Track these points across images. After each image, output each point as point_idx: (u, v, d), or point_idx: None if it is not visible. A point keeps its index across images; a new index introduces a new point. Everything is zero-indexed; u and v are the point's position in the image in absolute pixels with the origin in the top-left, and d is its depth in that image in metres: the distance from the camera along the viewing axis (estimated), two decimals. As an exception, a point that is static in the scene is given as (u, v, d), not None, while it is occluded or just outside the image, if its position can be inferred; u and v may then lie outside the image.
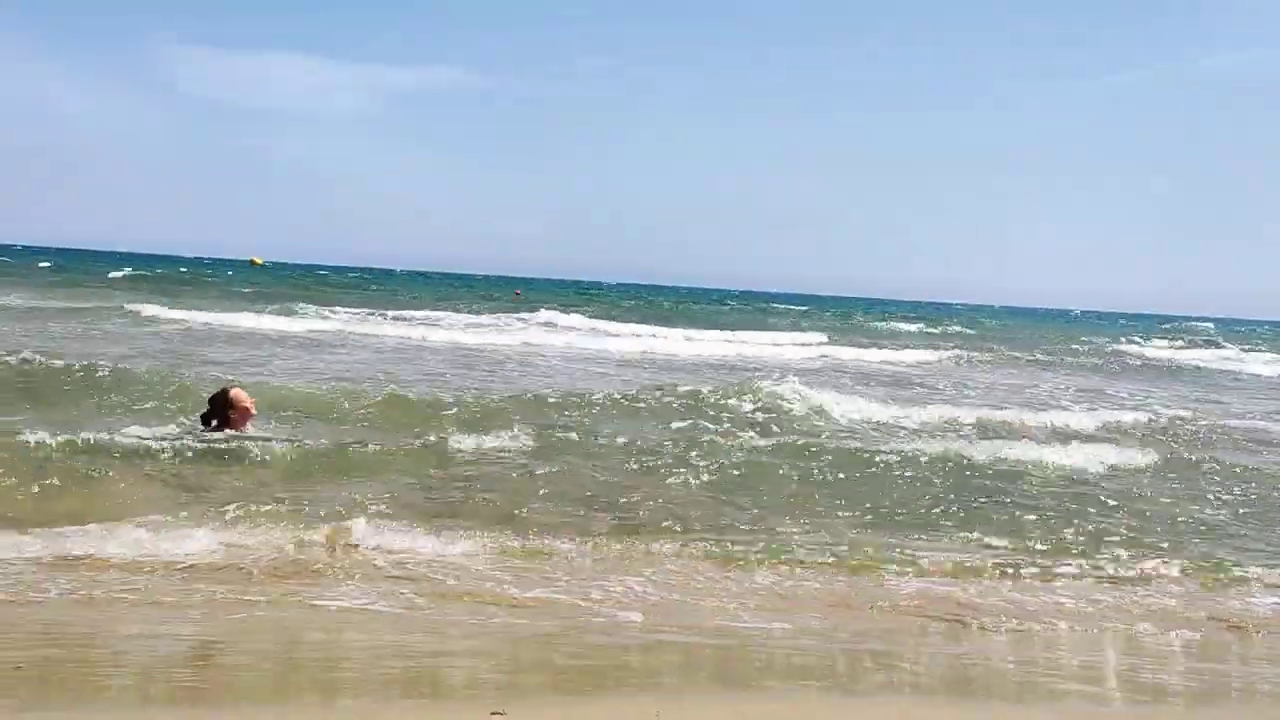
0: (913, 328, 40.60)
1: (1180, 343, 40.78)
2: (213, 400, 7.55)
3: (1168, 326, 63.04)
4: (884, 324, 43.36)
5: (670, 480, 7.38)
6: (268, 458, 7.12)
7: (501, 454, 7.83)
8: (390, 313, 27.52)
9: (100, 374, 10.39)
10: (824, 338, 29.24)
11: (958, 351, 24.24)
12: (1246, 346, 39.10)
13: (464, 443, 7.97)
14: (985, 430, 10.88)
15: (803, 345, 25.31)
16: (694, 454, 8.11)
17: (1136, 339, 41.34)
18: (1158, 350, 33.94)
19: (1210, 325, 69.08)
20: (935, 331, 39.89)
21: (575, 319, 29.38)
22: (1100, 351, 31.85)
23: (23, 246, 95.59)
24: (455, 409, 9.81)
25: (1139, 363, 27.18)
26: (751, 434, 9.50)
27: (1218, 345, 38.66)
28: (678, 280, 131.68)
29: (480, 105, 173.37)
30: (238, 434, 7.45)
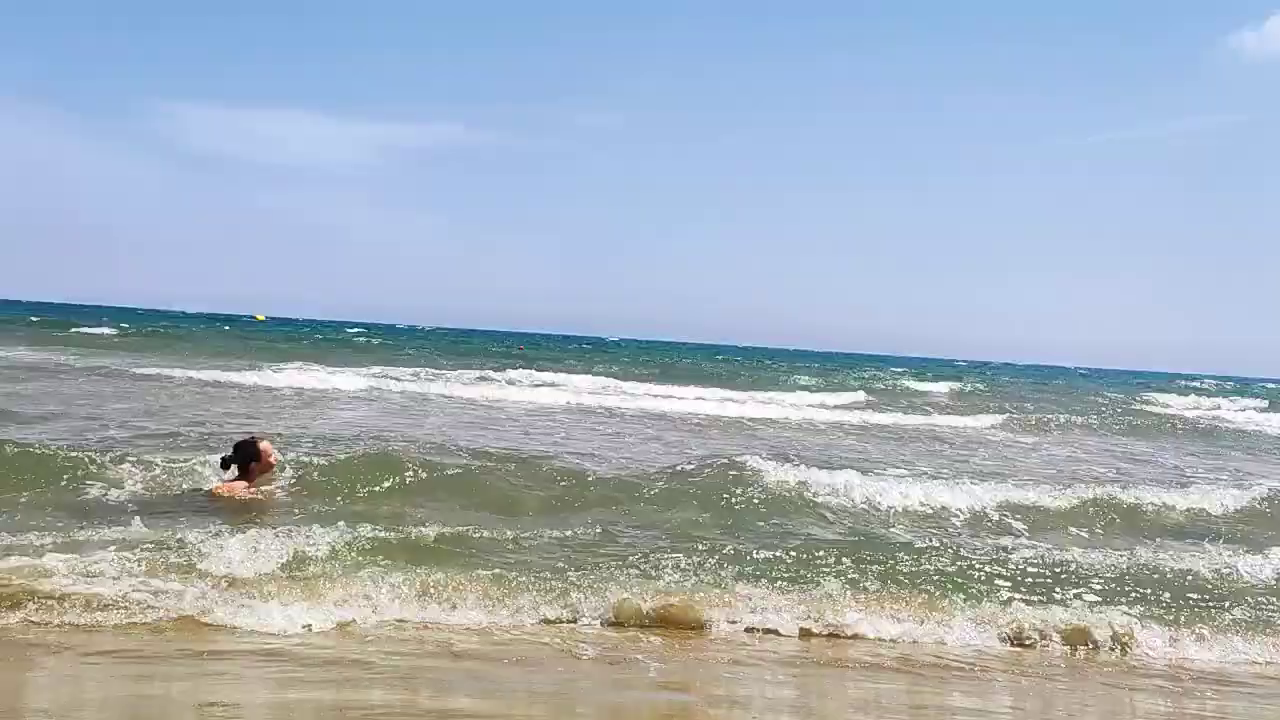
0: (942, 388, 38.58)
1: (1209, 400, 39.57)
2: (240, 446, 7.43)
3: (1185, 383, 62.12)
4: (903, 383, 41.75)
5: (684, 553, 6.77)
6: (285, 521, 6.74)
7: (506, 519, 7.52)
8: (393, 368, 26.52)
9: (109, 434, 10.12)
10: (859, 397, 28.05)
11: (1009, 415, 22.85)
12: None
13: (466, 505, 7.84)
14: (1100, 513, 9.41)
15: (841, 408, 24.01)
16: (720, 532, 7.67)
17: (1153, 395, 40.13)
18: (1196, 410, 32.66)
19: (1214, 382, 68.17)
20: (964, 389, 38.51)
21: (583, 379, 28.03)
22: (1129, 409, 30.78)
23: (26, 301, 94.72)
24: (457, 469, 9.41)
25: (1162, 419, 25.89)
26: (808, 519, 8.40)
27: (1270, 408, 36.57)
28: (677, 335, 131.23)
29: (481, 160, 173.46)
30: (252, 489, 7.37)
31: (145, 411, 13.55)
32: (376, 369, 25.61)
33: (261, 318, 79.07)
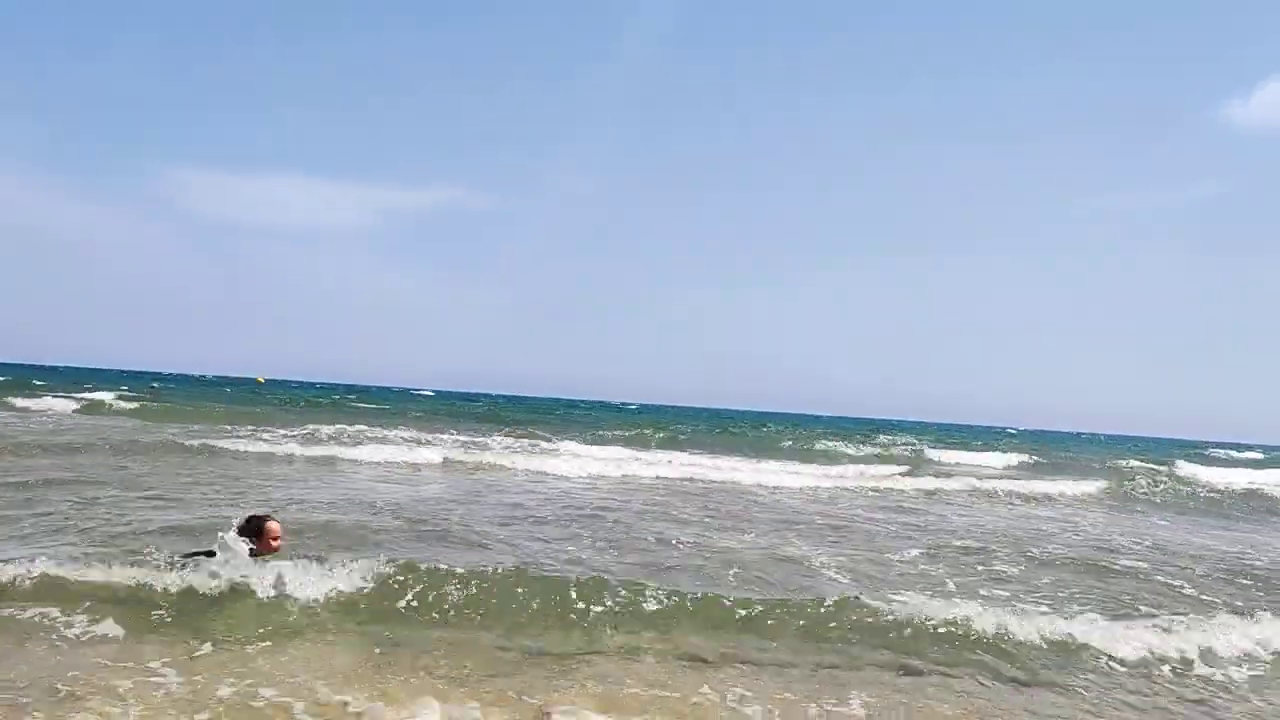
0: (1009, 461, 34.83)
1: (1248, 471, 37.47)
2: (251, 520, 7.43)
3: (1207, 451, 60.57)
4: (937, 453, 39.16)
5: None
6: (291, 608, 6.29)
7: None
8: (393, 432, 25.17)
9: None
10: (901, 469, 26.38)
11: (1097, 483, 21.13)
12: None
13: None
14: None
15: (904, 476, 22.30)
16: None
17: (1191, 464, 38.03)
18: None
19: (1222, 450, 66.60)
20: (1034, 462, 35.05)
21: (595, 449, 25.96)
22: (1195, 480, 28.69)
23: (37, 365, 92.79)
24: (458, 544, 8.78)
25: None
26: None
27: None
28: (677, 399, 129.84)
29: (483, 223, 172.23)
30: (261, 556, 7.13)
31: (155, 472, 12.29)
32: (380, 431, 24.25)
33: (262, 380, 78.04)
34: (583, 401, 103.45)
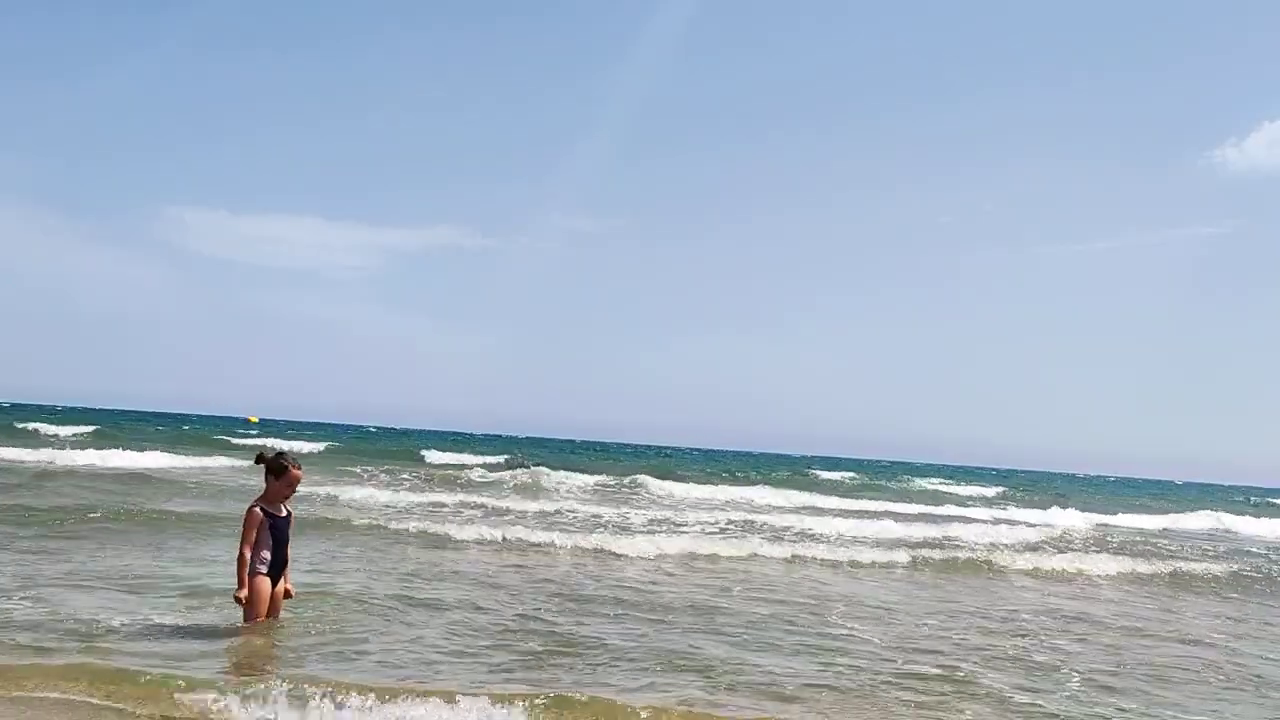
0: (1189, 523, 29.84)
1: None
2: (281, 455, 6.82)
3: (1241, 498, 56.56)
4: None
5: None
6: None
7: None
8: (409, 491, 20.64)
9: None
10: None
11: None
12: None
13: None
14: None
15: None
16: None
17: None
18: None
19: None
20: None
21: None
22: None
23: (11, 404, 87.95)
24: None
25: None
26: None
27: None
28: (676, 441, 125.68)
29: (484, 264, 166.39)
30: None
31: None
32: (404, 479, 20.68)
33: (255, 420, 74.48)
34: (616, 444, 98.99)
